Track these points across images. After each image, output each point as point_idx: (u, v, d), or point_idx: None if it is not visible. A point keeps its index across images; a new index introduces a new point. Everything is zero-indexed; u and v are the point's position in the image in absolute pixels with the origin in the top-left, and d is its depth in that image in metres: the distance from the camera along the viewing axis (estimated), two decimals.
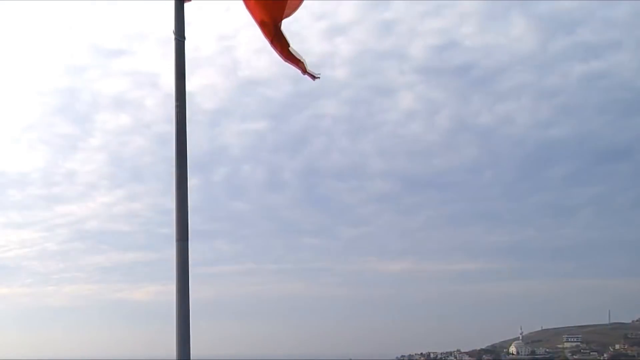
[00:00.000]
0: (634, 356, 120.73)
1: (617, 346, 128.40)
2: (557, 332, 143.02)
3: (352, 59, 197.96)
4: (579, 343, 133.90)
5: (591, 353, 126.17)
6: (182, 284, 4.64)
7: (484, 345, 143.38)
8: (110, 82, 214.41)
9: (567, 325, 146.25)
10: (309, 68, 5.15)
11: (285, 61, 5.11)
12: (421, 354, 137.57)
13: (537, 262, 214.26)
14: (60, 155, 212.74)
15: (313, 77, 5.17)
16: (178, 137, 4.85)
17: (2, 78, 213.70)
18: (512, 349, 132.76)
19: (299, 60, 5.11)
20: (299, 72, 5.18)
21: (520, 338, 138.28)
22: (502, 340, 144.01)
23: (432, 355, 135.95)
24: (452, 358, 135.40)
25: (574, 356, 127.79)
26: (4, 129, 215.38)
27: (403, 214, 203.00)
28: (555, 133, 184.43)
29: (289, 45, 5.12)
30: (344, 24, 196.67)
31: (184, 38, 4.96)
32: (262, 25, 5.09)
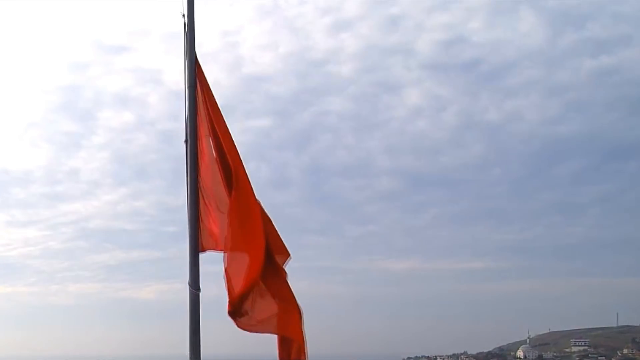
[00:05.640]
0: None
1: (625, 350, 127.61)
2: (565, 335, 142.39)
3: (358, 54, 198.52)
4: (586, 347, 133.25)
5: (599, 358, 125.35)
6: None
7: (491, 347, 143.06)
8: (113, 79, 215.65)
9: (575, 328, 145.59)
10: None
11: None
12: (427, 357, 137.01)
13: (545, 260, 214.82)
14: (63, 153, 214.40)
15: None
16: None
17: (5, 76, 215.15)
18: (519, 353, 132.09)
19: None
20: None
21: (528, 341, 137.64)
22: (510, 342, 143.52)
23: (438, 358, 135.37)
24: None
25: None
26: (7, 126, 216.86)
27: (409, 212, 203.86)
28: (564, 130, 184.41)
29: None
30: (349, 19, 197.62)
31: (199, 289, 4.75)
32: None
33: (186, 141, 4.79)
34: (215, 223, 4.85)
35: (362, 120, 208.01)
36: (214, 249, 4.88)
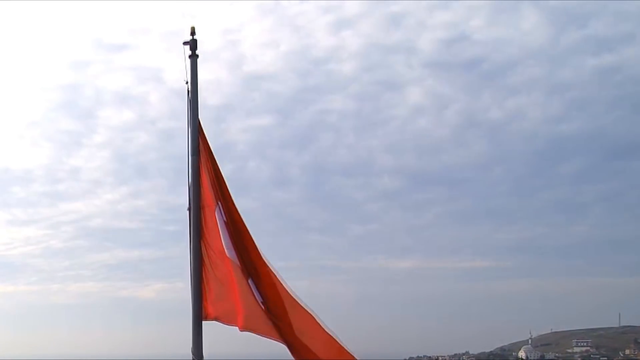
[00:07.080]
0: None
1: (627, 351, 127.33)
2: (567, 336, 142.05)
3: (359, 53, 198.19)
4: (589, 347, 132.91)
5: (601, 358, 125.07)
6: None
7: (492, 347, 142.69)
8: (113, 77, 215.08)
9: (577, 328, 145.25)
10: None
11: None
12: (429, 357, 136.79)
13: (547, 260, 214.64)
14: (64, 152, 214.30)
15: None
16: None
17: (5, 75, 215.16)
18: (521, 354, 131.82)
19: None
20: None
21: (530, 342, 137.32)
22: (512, 342, 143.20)
23: (440, 359, 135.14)
24: None
25: None
26: (8, 125, 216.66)
27: (411, 211, 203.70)
28: (567, 129, 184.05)
29: None
30: (350, 17, 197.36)
31: (202, 358, 4.78)
32: None
33: (189, 209, 4.74)
34: (234, 297, 4.78)
35: (363, 119, 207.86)
36: (223, 320, 4.86)
